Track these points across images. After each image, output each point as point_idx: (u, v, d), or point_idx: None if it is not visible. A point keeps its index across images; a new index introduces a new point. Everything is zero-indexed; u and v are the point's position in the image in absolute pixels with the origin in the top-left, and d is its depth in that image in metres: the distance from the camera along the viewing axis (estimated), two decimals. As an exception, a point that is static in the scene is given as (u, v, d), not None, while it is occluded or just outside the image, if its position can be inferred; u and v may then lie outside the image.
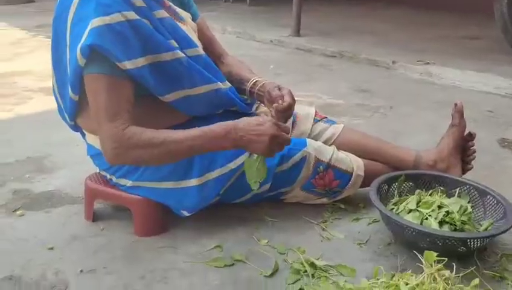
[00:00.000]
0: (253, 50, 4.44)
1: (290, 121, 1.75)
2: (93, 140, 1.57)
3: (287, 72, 3.66)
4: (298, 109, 1.79)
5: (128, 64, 1.34)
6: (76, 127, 1.62)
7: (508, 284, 1.32)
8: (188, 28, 1.58)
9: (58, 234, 1.56)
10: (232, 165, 1.53)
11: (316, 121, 1.79)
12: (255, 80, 1.65)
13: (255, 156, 1.42)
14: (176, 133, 1.38)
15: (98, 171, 1.67)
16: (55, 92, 1.59)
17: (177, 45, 1.47)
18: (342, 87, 3.30)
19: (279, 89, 1.55)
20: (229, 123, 1.38)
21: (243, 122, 1.38)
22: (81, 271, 1.38)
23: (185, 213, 1.54)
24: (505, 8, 3.72)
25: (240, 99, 1.66)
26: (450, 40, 4.64)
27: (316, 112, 1.82)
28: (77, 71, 1.36)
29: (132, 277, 1.36)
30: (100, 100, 1.35)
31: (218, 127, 1.38)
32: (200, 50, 1.56)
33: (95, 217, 1.63)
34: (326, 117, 1.84)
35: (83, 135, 1.64)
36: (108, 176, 1.60)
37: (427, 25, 5.38)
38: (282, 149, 1.41)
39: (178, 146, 1.36)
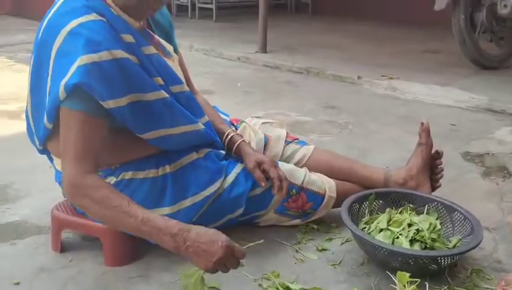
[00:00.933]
0: (221, 67, 4.45)
1: (262, 143, 1.77)
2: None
3: (255, 89, 3.68)
4: (270, 131, 1.82)
5: (111, 103, 1.33)
6: (44, 151, 1.58)
7: (479, 300, 1.36)
8: (175, 64, 1.58)
9: (24, 267, 1.51)
10: (206, 193, 1.52)
11: (287, 143, 1.81)
12: (230, 136, 1.66)
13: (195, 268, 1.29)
14: (132, 207, 1.32)
15: (65, 198, 1.63)
16: (27, 114, 1.55)
17: (162, 83, 1.46)
18: (310, 104, 3.33)
19: (260, 164, 1.55)
20: (183, 227, 1.29)
21: (195, 231, 1.28)
22: (50, 307, 1.34)
23: (157, 241, 1.51)
24: (462, 23, 3.86)
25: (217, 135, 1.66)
26: (412, 54, 4.77)
27: (287, 133, 1.84)
28: (56, 103, 1.35)
29: (104, 311, 1.32)
30: (71, 136, 1.33)
31: (170, 226, 1.29)
32: (184, 86, 1.56)
33: (62, 247, 1.59)
34: (297, 138, 1.87)
35: (51, 160, 1.60)
36: (76, 204, 1.56)
37: (389, 39, 5.52)
38: (227, 271, 1.30)
39: (127, 220, 1.32)
